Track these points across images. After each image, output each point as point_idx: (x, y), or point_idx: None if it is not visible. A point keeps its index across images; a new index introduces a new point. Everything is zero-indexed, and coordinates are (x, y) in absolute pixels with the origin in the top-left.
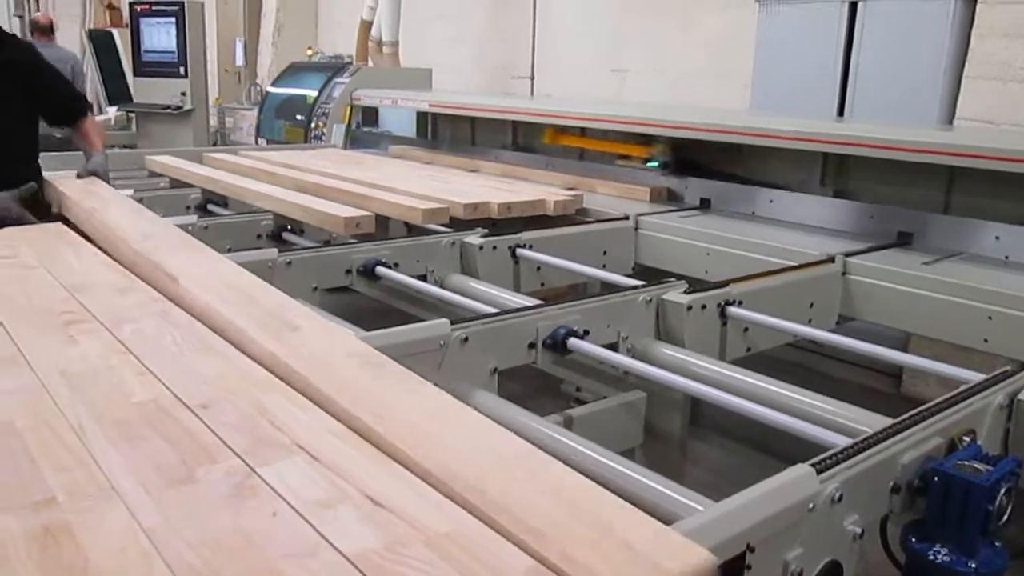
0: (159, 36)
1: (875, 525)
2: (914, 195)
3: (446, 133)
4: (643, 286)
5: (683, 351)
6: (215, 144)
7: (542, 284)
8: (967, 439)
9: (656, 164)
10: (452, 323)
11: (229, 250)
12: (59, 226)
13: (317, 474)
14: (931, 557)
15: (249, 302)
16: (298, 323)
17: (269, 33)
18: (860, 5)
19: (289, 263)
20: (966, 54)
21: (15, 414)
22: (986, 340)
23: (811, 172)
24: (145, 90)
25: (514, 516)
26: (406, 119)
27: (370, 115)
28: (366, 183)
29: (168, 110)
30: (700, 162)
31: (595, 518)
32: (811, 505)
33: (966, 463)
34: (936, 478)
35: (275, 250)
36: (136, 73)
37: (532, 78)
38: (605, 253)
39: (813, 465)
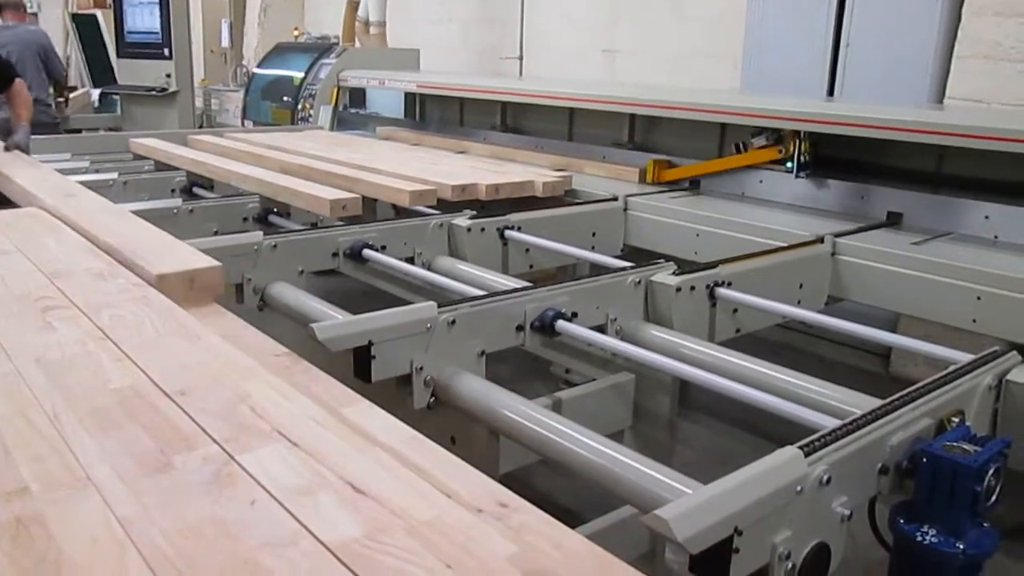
0: (143, 17)
1: (864, 507)
2: (904, 175)
3: (434, 114)
4: (632, 267)
5: (672, 333)
6: (201, 126)
7: (531, 266)
8: (956, 420)
9: None
10: (439, 306)
11: (216, 233)
12: (36, 210)
13: (297, 461)
14: (919, 538)
15: None
16: None
17: (255, 14)
18: None
19: (275, 246)
20: (956, 33)
21: None
22: (974, 320)
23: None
24: (129, 72)
25: None
26: (394, 100)
27: (357, 96)
28: (353, 165)
29: (153, 92)
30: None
31: None
32: (799, 488)
33: (954, 444)
34: (924, 459)
35: (260, 233)
36: (119, 55)
37: (521, 59)
38: (594, 235)
39: (801, 447)
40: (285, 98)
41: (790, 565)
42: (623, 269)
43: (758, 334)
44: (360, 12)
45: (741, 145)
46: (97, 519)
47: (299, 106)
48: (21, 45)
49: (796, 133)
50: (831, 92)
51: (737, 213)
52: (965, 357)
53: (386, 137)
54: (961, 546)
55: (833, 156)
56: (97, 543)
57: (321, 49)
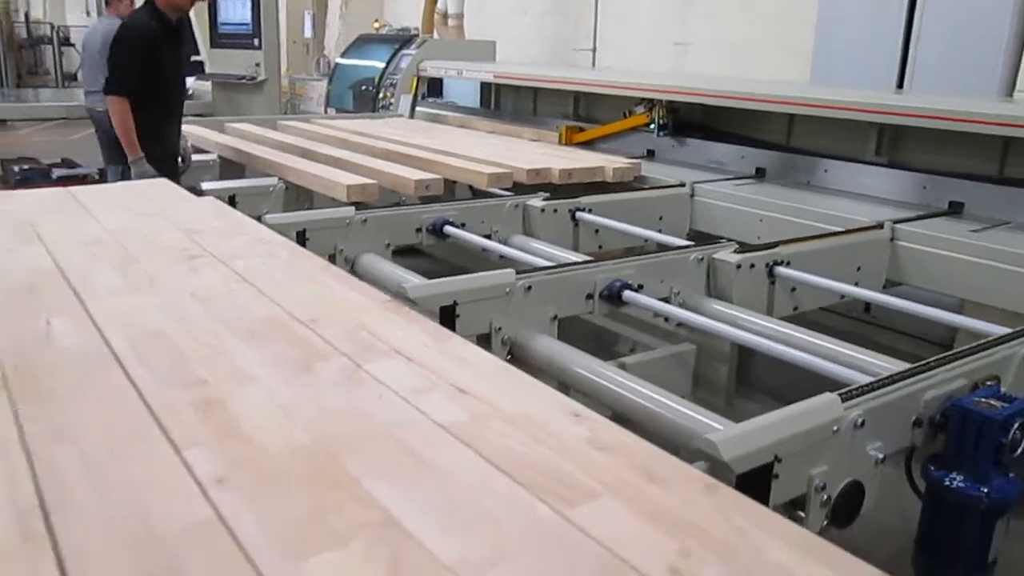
0: (235, 8)
1: (898, 455)
2: (967, 165)
3: (508, 103)
4: (694, 245)
5: (731, 306)
6: (285, 113)
7: (600, 247)
8: (990, 384)
9: None
10: (517, 273)
11: (307, 207)
12: (164, 181)
13: (411, 370)
14: (947, 483)
15: None
16: None
17: (337, 5)
18: None
19: (365, 221)
20: None
21: (163, 324)
22: None
23: (865, 142)
24: (221, 61)
25: None
26: (469, 90)
27: (435, 86)
28: (433, 149)
29: (243, 80)
30: (754, 131)
31: None
32: (835, 428)
33: (983, 400)
34: (955, 411)
35: (352, 208)
36: (212, 44)
37: (594, 50)
38: (661, 219)
39: (839, 394)
40: (366, 87)
41: (825, 497)
42: (686, 247)
43: (816, 320)
44: (439, 5)
45: None
46: (262, 401)
47: (380, 95)
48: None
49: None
50: (900, 84)
51: (800, 200)
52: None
53: (462, 125)
54: (985, 491)
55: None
56: (266, 416)
57: (402, 40)
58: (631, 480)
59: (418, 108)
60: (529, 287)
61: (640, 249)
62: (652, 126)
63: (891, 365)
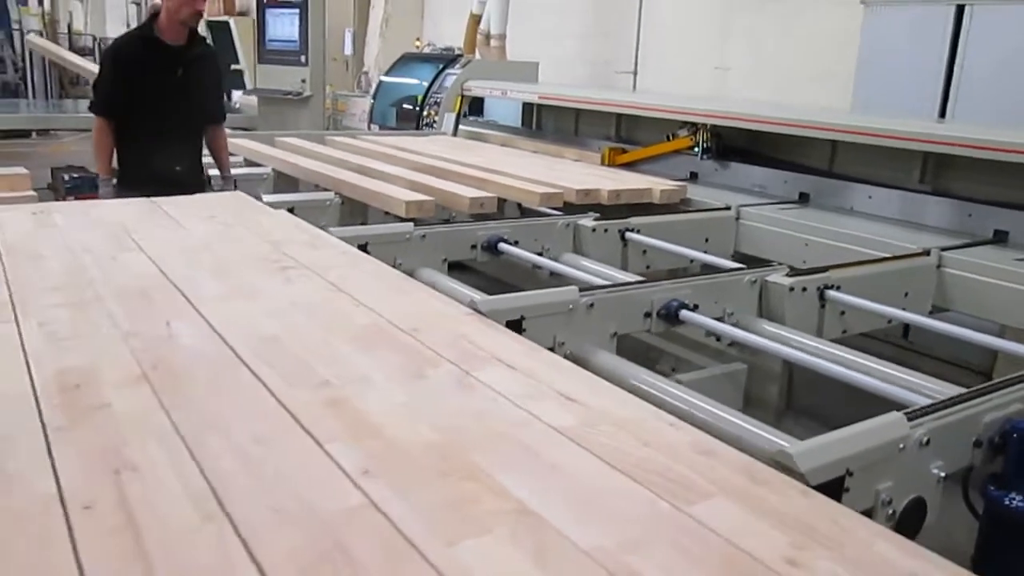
0: (283, 26)
1: (959, 475)
2: (1011, 195)
3: (549, 124)
4: (747, 268)
5: (783, 327)
6: (327, 128)
7: (647, 267)
8: None
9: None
10: (580, 290)
11: (361, 221)
12: (238, 193)
13: (517, 377)
14: (1007, 502)
15: None
16: None
17: (377, 24)
18: (967, 9)
19: (424, 236)
20: None
21: (274, 330)
22: None
23: (910, 171)
24: (267, 76)
25: None
26: (511, 109)
27: (476, 104)
28: (481, 167)
29: (290, 96)
30: (798, 157)
31: None
32: (901, 445)
33: None
34: (1015, 433)
35: (411, 224)
36: (260, 60)
37: (635, 73)
38: (707, 240)
39: (905, 413)
40: (407, 106)
41: (891, 511)
42: (739, 269)
43: (862, 346)
44: (482, 26)
45: None
46: (383, 401)
47: (424, 112)
48: None
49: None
50: (943, 113)
51: (845, 224)
52: None
53: (504, 144)
54: None
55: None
56: (391, 413)
57: (445, 60)
58: (737, 482)
59: (460, 126)
60: (592, 304)
61: (686, 270)
62: (696, 149)
63: (939, 387)
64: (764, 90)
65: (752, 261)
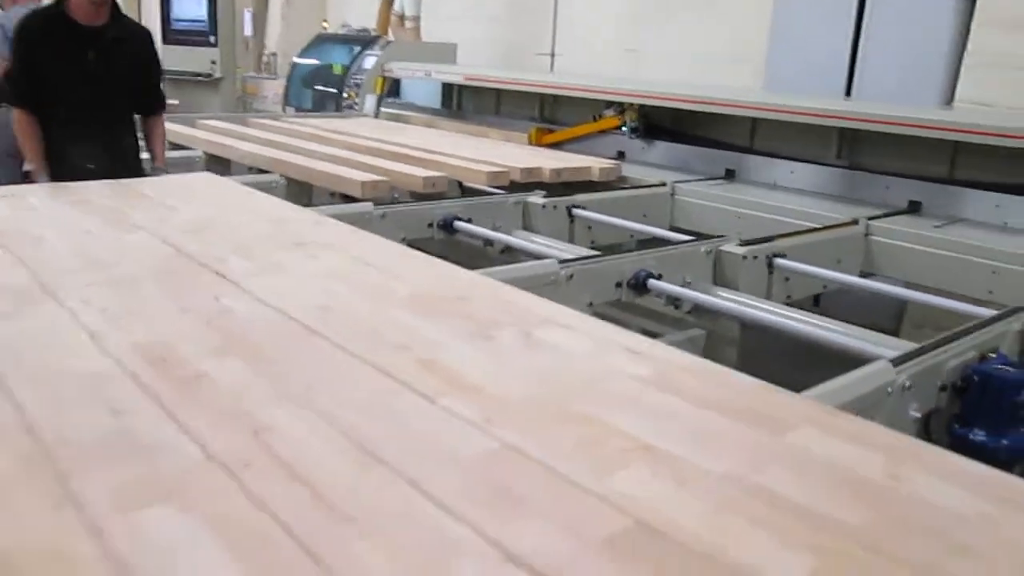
0: (189, 5)
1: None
2: (921, 168)
3: (470, 105)
4: (702, 239)
5: (739, 293)
6: (238, 110)
7: (592, 242)
8: (994, 355)
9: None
10: (559, 262)
11: (306, 202)
12: (208, 175)
13: (577, 335)
14: (971, 437)
15: None
16: None
17: (279, 5)
18: None
19: (383, 216)
20: (966, 42)
21: (323, 300)
22: (991, 292)
23: (827, 146)
24: (175, 58)
25: None
26: (428, 90)
27: (393, 87)
28: (421, 148)
29: (200, 78)
30: (720, 135)
31: None
32: (889, 390)
33: (1000, 366)
34: (976, 376)
35: (371, 203)
36: (165, 41)
37: (553, 55)
38: (644, 216)
39: (889, 361)
40: (323, 87)
41: None
42: (690, 241)
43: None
44: (396, 7)
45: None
46: (466, 360)
47: (344, 95)
48: None
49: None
50: (848, 92)
51: (774, 198)
52: (984, 311)
53: (427, 125)
54: (1005, 442)
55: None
56: (480, 372)
57: (363, 41)
58: (811, 414)
59: (381, 108)
60: (571, 275)
61: (622, 245)
62: (624, 128)
63: (882, 340)
64: (676, 72)
65: (689, 234)
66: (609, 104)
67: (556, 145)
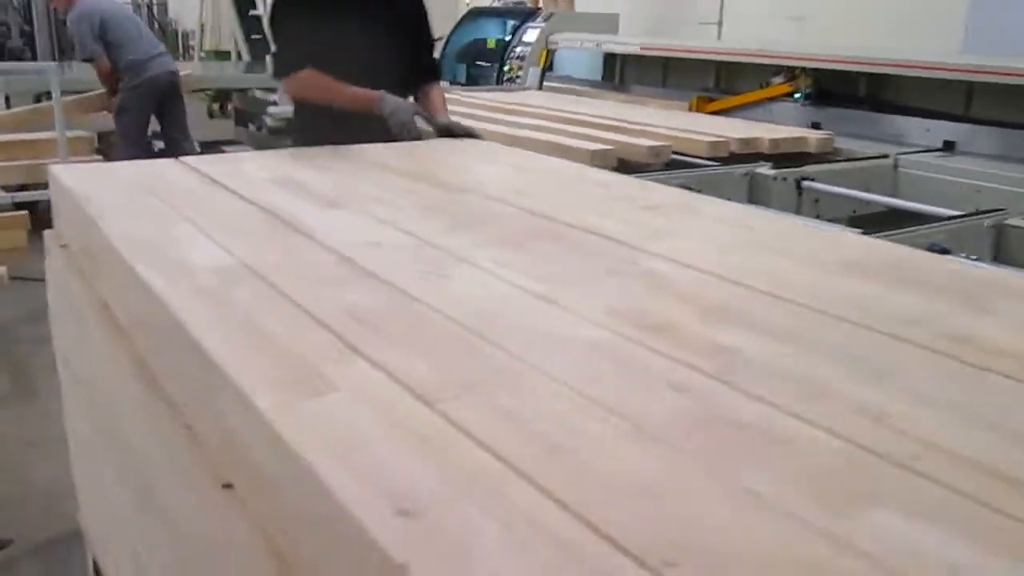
0: None
1: None
2: None
3: (632, 75)
4: (738, 163)
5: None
6: None
7: (817, 215)
8: None
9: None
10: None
11: None
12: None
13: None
14: None
15: None
16: None
17: None
18: None
19: None
20: None
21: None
22: None
23: None
24: None
25: None
26: (586, 63)
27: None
28: (620, 119)
29: None
30: (921, 102)
31: None
32: None
33: None
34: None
35: None
36: None
37: (720, 24)
38: (868, 189)
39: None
40: (479, 62)
41: None
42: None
43: None
44: None
45: None
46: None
47: (506, 68)
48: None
49: None
50: None
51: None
52: None
53: (595, 97)
54: None
55: None
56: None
57: (522, 14)
58: None
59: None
60: None
61: (849, 217)
62: (798, 95)
63: None
64: (849, 39)
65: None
66: (778, 71)
67: (720, 113)
